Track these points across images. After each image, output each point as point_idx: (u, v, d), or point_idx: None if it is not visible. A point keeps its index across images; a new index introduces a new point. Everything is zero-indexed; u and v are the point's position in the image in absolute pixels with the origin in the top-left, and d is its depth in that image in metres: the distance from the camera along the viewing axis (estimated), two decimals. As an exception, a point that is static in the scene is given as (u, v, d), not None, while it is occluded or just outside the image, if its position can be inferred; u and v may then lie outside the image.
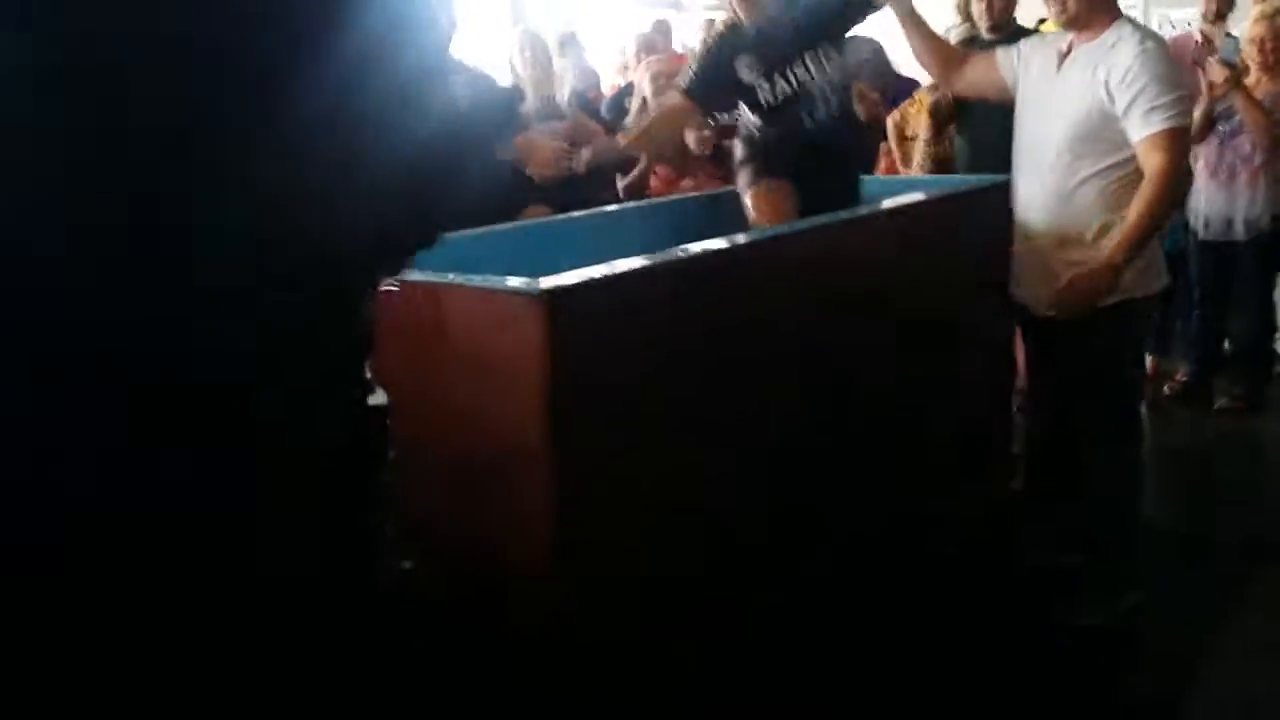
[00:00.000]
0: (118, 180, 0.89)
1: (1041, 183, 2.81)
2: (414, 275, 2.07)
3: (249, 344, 0.97)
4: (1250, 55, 4.49)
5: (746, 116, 3.38)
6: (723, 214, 3.51)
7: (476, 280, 2.01)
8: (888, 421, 2.92)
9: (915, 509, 3.04)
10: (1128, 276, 2.73)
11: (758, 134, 3.35)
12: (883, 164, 5.33)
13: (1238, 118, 4.40)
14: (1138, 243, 2.65)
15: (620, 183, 5.07)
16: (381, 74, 0.99)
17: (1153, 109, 2.58)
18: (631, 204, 4.52)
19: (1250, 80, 4.45)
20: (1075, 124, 2.71)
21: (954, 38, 4.52)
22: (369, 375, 1.13)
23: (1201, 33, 5.43)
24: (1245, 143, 4.42)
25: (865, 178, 4.70)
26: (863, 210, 3.05)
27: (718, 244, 2.44)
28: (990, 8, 4.44)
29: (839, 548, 2.73)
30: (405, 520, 2.10)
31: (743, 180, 3.40)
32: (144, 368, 0.93)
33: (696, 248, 2.37)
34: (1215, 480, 4.02)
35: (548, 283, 1.92)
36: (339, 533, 1.07)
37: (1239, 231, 4.49)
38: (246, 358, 0.97)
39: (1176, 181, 2.66)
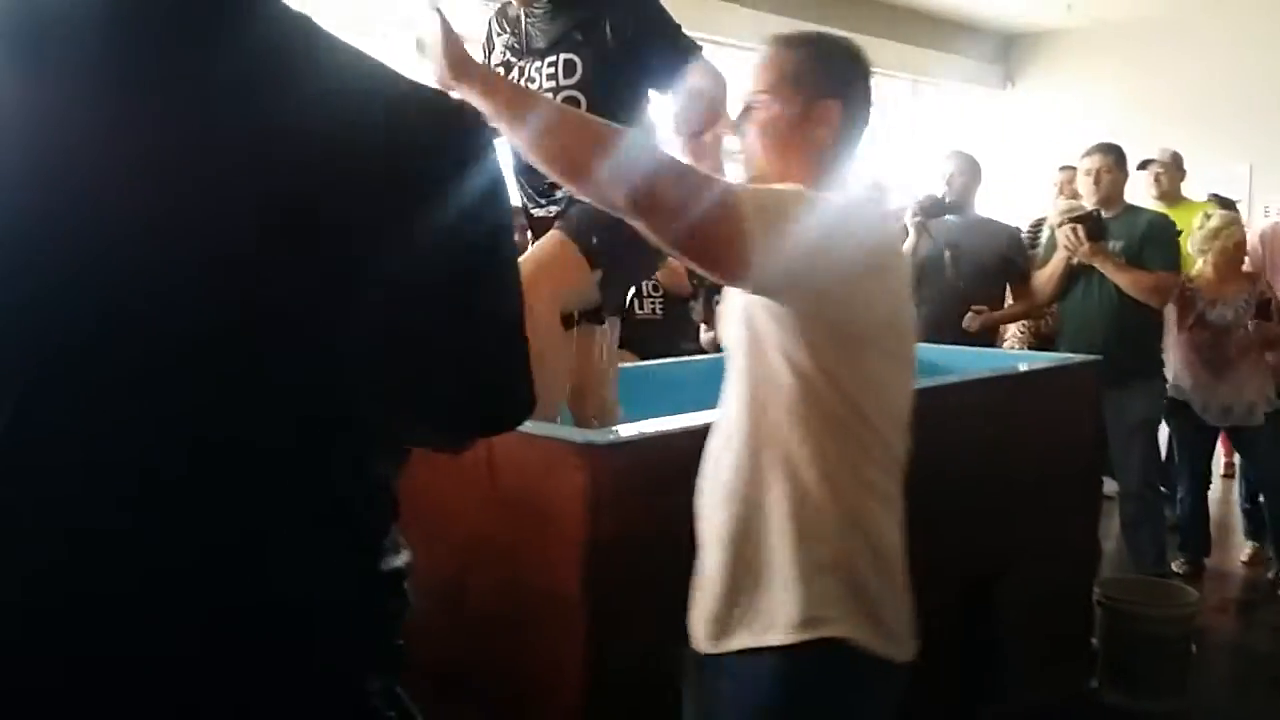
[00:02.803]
0: None
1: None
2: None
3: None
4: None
5: None
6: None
7: (526, 425, 2.07)
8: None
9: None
10: (803, 597, 1.58)
11: None
12: None
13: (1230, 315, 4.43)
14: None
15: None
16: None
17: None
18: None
19: (1208, 278, 4.48)
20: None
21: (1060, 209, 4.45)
22: (393, 538, 1.08)
23: None
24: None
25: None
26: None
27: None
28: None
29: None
30: (439, 665, 2.14)
31: None
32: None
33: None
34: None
35: (590, 434, 1.97)
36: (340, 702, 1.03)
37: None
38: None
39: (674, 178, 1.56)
